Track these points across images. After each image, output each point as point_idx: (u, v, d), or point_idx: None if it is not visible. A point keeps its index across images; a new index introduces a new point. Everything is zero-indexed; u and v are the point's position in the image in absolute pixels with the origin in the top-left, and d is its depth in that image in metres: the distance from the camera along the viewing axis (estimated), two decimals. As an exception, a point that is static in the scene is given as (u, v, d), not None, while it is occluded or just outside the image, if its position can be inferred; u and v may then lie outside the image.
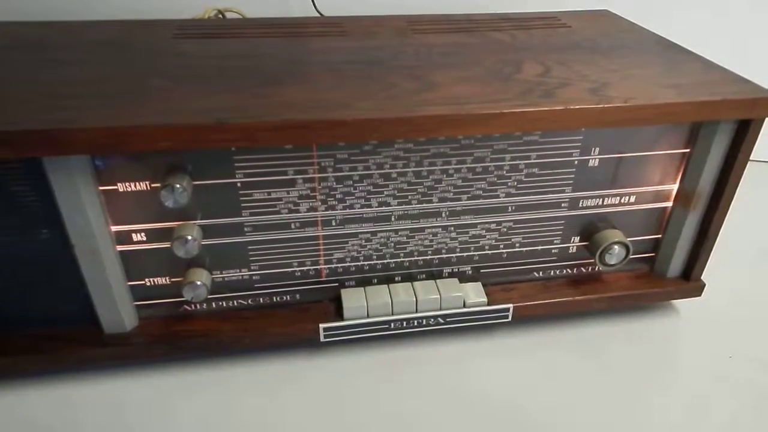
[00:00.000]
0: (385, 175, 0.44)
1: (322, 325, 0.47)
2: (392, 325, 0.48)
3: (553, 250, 0.51)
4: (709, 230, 0.49)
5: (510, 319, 0.49)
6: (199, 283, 0.44)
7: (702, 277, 0.52)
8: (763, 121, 0.44)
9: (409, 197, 0.46)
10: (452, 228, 0.48)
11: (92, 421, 0.44)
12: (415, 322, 0.48)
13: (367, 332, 0.48)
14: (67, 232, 0.40)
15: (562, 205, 0.48)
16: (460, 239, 0.48)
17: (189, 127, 0.37)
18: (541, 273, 0.52)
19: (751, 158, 0.46)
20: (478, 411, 0.45)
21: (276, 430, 0.43)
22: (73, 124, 0.36)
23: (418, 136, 0.42)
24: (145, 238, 0.43)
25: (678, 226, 0.50)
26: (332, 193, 0.44)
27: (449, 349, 0.50)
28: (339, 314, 0.47)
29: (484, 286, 0.50)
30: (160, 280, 0.45)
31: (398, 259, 0.48)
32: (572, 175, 0.47)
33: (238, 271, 0.46)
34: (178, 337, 0.46)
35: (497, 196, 0.47)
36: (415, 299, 0.47)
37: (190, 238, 0.42)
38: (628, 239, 0.49)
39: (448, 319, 0.48)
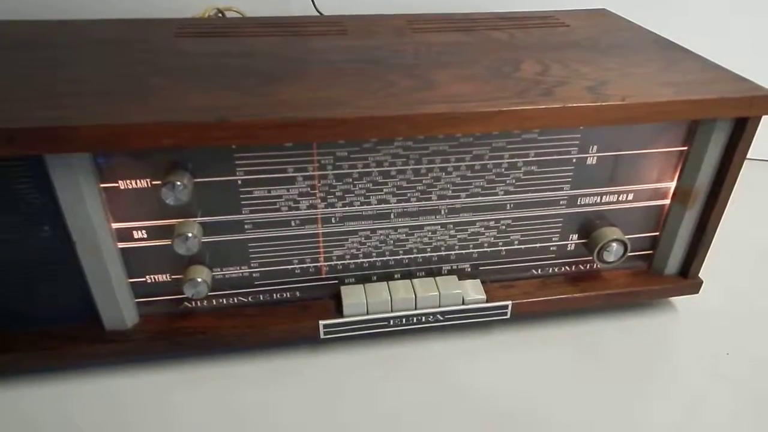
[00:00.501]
0: (385, 172, 0.44)
1: (321, 322, 0.47)
2: (391, 322, 0.48)
3: (551, 248, 0.51)
4: (706, 228, 0.49)
5: (509, 316, 0.50)
6: (199, 280, 0.44)
7: (699, 275, 0.53)
8: (760, 119, 0.44)
9: (409, 195, 0.46)
10: (451, 225, 0.48)
11: (93, 418, 0.44)
12: (415, 319, 0.48)
13: (366, 329, 0.48)
14: (68, 229, 0.41)
15: (561, 202, 0.49)
16: (459, 237, 0.49)
17: (190, 124, 0.37)
18: (539, 270, 0.52)
19: (748, 157, 0.46)
20: (476, 408, 0.45)
21: (276, 426, 0.44)
22: (75, 122, 0.36)
23: (418, 134, 0.42)
24: (146, 235, 0.43)
25: (676, 223, 0.50)
26: (332, 190, 0.44)
27: (448, 346, 0.50)
28: (339, 311, 0.48)
29: (483, 283, 0.50)
30: (161, 277, 0.46)
31: (397, 257, 0.49)
32: (570, 173, 0.47)
33: (238, 268, 0.47)
34: (178, 333, 0.46)
35: (496, 194, 0.47)
36: (414, 296, 0.48)
37: (190, 235, 0.42)
38: (626, 237, 0.49)
39: (447, 316, 0.49)
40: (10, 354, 0.44)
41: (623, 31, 0.58)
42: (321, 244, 0.47)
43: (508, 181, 0.47)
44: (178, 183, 0.40)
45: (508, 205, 0.48)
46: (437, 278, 0.49)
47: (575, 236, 0.51)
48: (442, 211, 0.47)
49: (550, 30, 0.58)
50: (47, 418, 0.44)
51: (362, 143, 0.43)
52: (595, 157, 0.47)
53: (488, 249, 0.50)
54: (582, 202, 0.49)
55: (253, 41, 0.52)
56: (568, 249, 0.51)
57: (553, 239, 0.50)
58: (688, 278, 0.53)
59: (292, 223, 0.45)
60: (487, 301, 0.49)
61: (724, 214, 0.49)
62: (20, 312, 0.45)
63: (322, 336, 0.48)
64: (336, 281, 0.49)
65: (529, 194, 0.48)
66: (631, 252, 0.50)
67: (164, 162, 0.41)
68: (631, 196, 0.49)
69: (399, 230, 0.47)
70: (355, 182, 0.44)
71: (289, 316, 0.48)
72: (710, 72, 0.47)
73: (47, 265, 0.43)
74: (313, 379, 0.47)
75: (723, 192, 0.47)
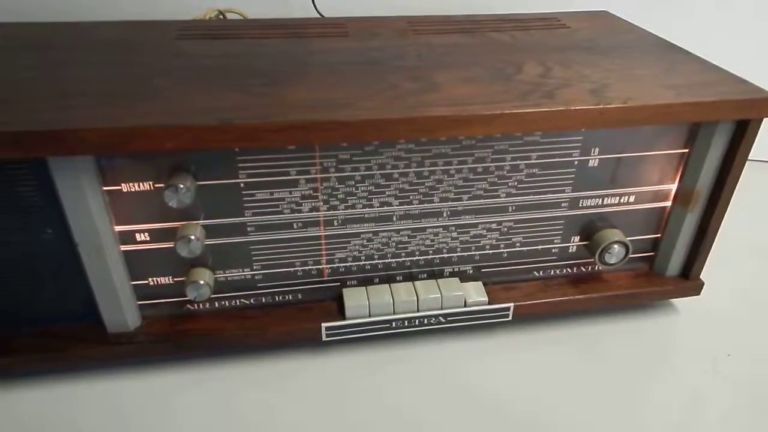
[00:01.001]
0: (387, 175, 0.45)
1: (324, 325, 0.47)
2: (394, 324, 0.48)
3: (553, 250, 0.51)
4: (707, 229, 0.49)
5: (510, 318, 0.50)
6: (202, 282, 0.44)
7: (701, 276, 0.53)
8: (761, 121, 0.44)
9: (411, 197, 0.46)
10: (453, 228, 0.48)
11: (95, 420, 0.44)
12: (417, 321, 0.48)
13: (368, 331, 0.48)
14: (71, 231, 0.41)
15: (562, 204, 0.49)
16: (461, 239, 0.49)
17: (193, 127, 0.37)
18: (541, 272, 0.52)
19: (749, 158, 0.46)
20: (479, 409, 0.45)
21: (279, 428, 0.44)
22: (78, 125, 0.36)
23: (420, 137, 0.42)
24: (148, 238, 0.43)
25: (677, 225, 0.50)
26: (334, 193, 0.44)
27: (450, 348, 0.50)
28: (341, 313, 0.48)
29: (484, 285, 0.50)
30: (164, 280, 0.46)
31: (400, 259, 0.49)
32: (572, 175, 0.47)
33: (240, 270, 0.47)
34: (181, 335, 0.46)
35: (498, 196, 0.47)
36: (416, 298, 0.48)
37: (193, 237, 0.42)
38: (628, 238, 0.49)
39: (449, 318, 0.49)
40: (12, 355, 0.44)
41: (624, 33, 0.58)
42: (323, 247, 0.47)
43: (510, 184, 0.47)
44: (181, 186, 0.40)
45: (510, 208, 0.48)
46: (439, 280, 0.49)
47: (577, 238, 0.51)
48: (444, 214, 0.47)
49: (551, 32, 0.58)
50: (49, 421, 0.44)
51: (364, 146, 0.43)
52: (597, 160, 0.47)
53: (490, 251, 0.50)
54: (584, 204, 0.49)
55: (255, 43, 0.52)
56: (570, 251, 0.51)
57: (555, 241, 0.51)
58: (689, 280, 0.53)
59: (295, 226, 0.45)
60: (489, 303, 0.49)
61: (725, 216, 0.49)
62: (23, 314, 0.45)
63: (324, 338, 0.48)
64: (338, 283, 0.49)
65: (531, 196, 0.48)
66: (632, 254, 0.50)
67: (167, 165, 0.41)
68: (632, 198, 0.49)
69: (401, 232, 0.48)
70: (358, 185, 0.44)
71: (291, 319, 0.48)
72: (711, 74, 0.47)
73: (50, 267, 0.43)
74: (315, 381, 0.47)
75: (724, 194, 0.48)
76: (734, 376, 0.49)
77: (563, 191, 0.48)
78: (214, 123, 0.37)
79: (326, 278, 0.49)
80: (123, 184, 0.41)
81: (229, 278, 0.47)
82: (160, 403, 0.45)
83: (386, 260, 0.49)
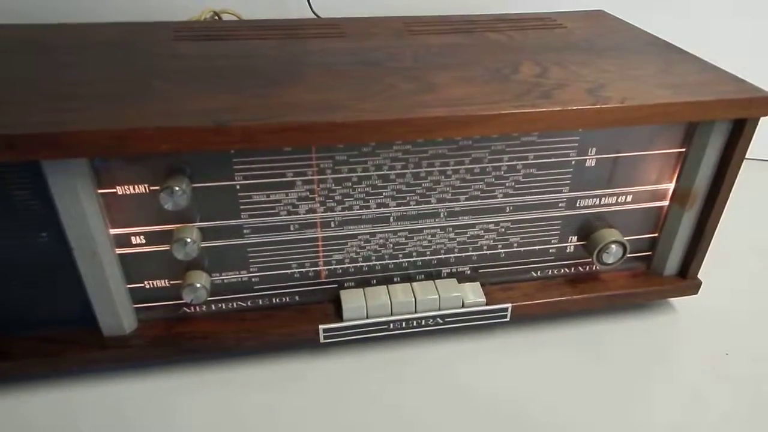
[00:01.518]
0: (384, 176, 0.44)
1: (321, 326, 0.47)
2: (391, 325, 0.48)
3: (550, 250, 0.51)
4: (705, 229, 0.49)
5: (508, 318, 0.50)
6: (198, 285, 0.44)
7: (698, 275, 0.53)
8: (758, 120, 0.44)
9: (408, 198, 0.46)
10: (450, 228, 0.48)
11: (92, 424, 0.44)
12: (415, 322, 0.48)
13: (366, 333, 0.48)
14: (66, 235, 0.40)
15: (560, 205, 0.49)
16: (458, 240, 0.49)
17: (189, 129, 0.37)
18: (539, 272, 0.52)
19: (746, 157, 0.46)
20: (478, 410, 0.45)
21: (277, 430, 0.43)
22: (73, 127, 0.36)
23: (418, 138, 0.42)
24: (144, 241, 0.43)
25: (674, 224, 0.50)
26: (331, 194, 0.44)
27: (448, 349, 0.50)
28: (338, 315, 0.47)
29: (482, 285, 0.50)
30: (160, 283, 0.45)
31: (397, 260, 0.49)
32: (569, 175, 0.47)
33: (237, 273, 0.46)
34: (177, 339, 0.46)
35: (495, 197, 0.47)
36: (414, 299, 0.48)
37: (189, 240, 0.42)
38: (625, 238, 0.49)
39: (447, 319, 0.49)
40: (7, 359, 0.44)
41: (620, 32, 0.58)
42: (320, 248, 0.47)
43: (507, 184, 0.47)
44: (177, 188, 0.40)
45: (508, 208, 0.48)
46: (437, 281, 0.49)
47: (574, 238, 0.51)
48: (442, 214, 0.47)
49: (548, 32, 0.58)
50: (45, 425, 0.43)
51: (361, 147, 0.43)
52: (594, 159, 0.47)
53: (488, 252, 0.50)
54: (581, 204, 0.49)
55: (251, 44, 0.52)
56: (568, 251, 0.51)
57: (553, 241, 0.50)
58: (687, 279, 0.53)
59: (291, 228, 0.45)
60: (486, 304, 0.49)
61: (722, 215, 0.49)
62: (18, 318, 0.45)
63: (321, 340, 0.47)
64: (335, 285, 0.49)
65: (529, 197, 0.48)
66: (630, 253, 0.50)
67: (162, 167, 0.41)
68: (629, 198, 0.49)
69: (398, 234, 0.47)
70: (355, 186, 0.44)
71: (288, 321, 0.48)
72: (708, 73, 0.47)
73: (45, 271, 0.42)
74: (313, 383, 0.47)
75: (721, 193, 0.48)
76: (732, 375, 0.49)
77: (560, 191, 0.48)
78: (210, 125, 0.37)
79: (323, 280, 0.48)
80: (118, 187, 0.41)
81: (225, 281, 0.47)
82: (158, 407, 0.45)
83: (383, 261, 0.48)
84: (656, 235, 0.52)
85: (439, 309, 0.48)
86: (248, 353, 0.49)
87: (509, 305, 0.49)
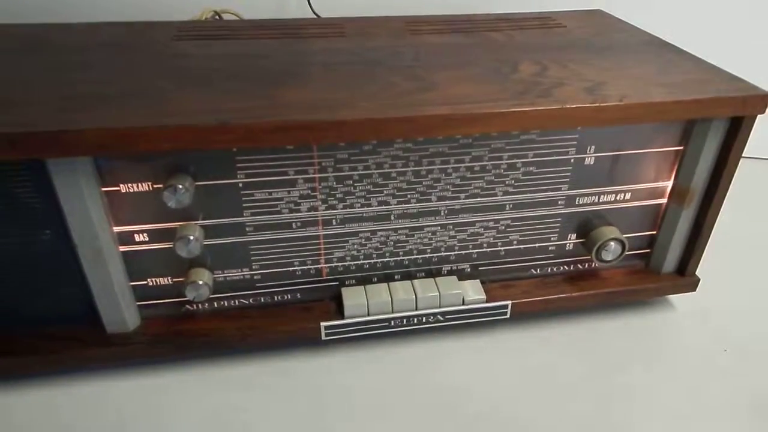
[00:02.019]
0: (385, 174, 0.45)
1: (323, 324, 0.47)
2: (392, 322, 0.48)
3: (550, 248, 0.51)
4: (703, 226, 0.50)
5: (508, 315, 0.50)
6: (201, 282, 0.44)
7: (696, 273, 0.53)
8: (754, 118, 0.45)
9: (409, 196, 0.46)
10: (451, 226, 0.48)
11: (94, 421, 0.44)
12: (415, 319, 0.49)
13: (367, 330, 0.48)
14: (69, 232, 0.41)
15: (559, 202, 0.49)
16: (458, 237, 0.49)
17: (192, 128, 0.37)
18: (538, 270, 0.52)
19: (744, 155, 0.46)
20: (477, 408, 0.46)
21: (279, 427, 0.44)
22: (77, 126, 0.36)
23: (418, 136, 0.43)
24: (147, 239, 0.44)
25: (673, 222, 0.51)
26: (332, 192, 0.45)
27: (449, 346, 0.51)
28: (340, 312, 0.48)
29: (482, 283, 0.50)
30: (163, 280, 0.46)
31: (398, 258, 0.49)
32: (569, 173, 0.48)
33: (239, 270, 0.47)
34: (180, 336, 0.46)
35: (495, 195, 0.47)
36: (414, 297, 0.48)
37: (192, 238, 0.42)
38: (624, 236, 0.50)
39: (447, 317, 0.49)
40: (11, 357, 0.44)
41: (618, 31, 0.58)
42: (322, 246, 0.47)
43: (507, 182, 0.47)
44: (180, 186, 0.40)
45: (507, 206, 0.48)
46: (437, 279, 0.50)
47: (574, 236, 0.51)
48: (442, 212, 0.47)
49: (547, 31, 0.58)
50: (48, 422, 0.44)
51: (362, 145, 0.43)
52: (593, 158, 0.47)
53: (487, 249, 0.50)
54: (580, 202, 0.49)
55: (252, 44, 0.53)
56: (567, 248, 0.52)
57: (552, 239, 0.51)
58: (685, 276, 0.53)
59: (293, 226, 0.45)
60: (486, 301, 0.49)
61: (720, 212, 0.49)
62: (21, 315, 0.45)
63: (323, 337, 0.48)
64: (337, 283, 0.49)
65: (528, 194, 0.48)
66: (628, 251, 0.51)
67: (165, 165, 0.41)
68: (628, 196, 0.50)
69: (399, 231, 0.48)
70: (356, 184, 0.45)
71: (290, 318, 0.48)
72: (705, 72, 0.48)
73: (49, 268, 0.43)
74: (315, 380, 0.47)
75: (719, 190, 0.48)
76: (731, 371, 0.49)
77: (560, 189, 0.48)
78: (213, 123, 0.37)
79: (325, 278, 0.49)
80: (121, 185, 0.41)
81: (228, 278, 0.47)
82: (160, 404, 0.45)
83: (384, 259, 0.49)
84: (654, 232, 0.52)
85: (440, 306, 0.49)
86: (250, 350, 0.49)
87: (509, 302, 0.50)
